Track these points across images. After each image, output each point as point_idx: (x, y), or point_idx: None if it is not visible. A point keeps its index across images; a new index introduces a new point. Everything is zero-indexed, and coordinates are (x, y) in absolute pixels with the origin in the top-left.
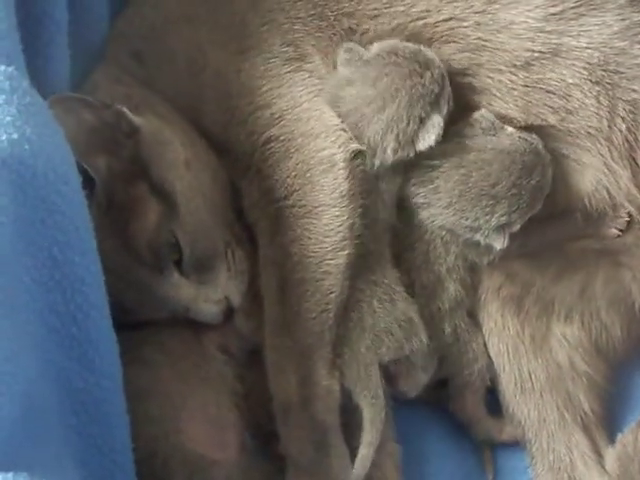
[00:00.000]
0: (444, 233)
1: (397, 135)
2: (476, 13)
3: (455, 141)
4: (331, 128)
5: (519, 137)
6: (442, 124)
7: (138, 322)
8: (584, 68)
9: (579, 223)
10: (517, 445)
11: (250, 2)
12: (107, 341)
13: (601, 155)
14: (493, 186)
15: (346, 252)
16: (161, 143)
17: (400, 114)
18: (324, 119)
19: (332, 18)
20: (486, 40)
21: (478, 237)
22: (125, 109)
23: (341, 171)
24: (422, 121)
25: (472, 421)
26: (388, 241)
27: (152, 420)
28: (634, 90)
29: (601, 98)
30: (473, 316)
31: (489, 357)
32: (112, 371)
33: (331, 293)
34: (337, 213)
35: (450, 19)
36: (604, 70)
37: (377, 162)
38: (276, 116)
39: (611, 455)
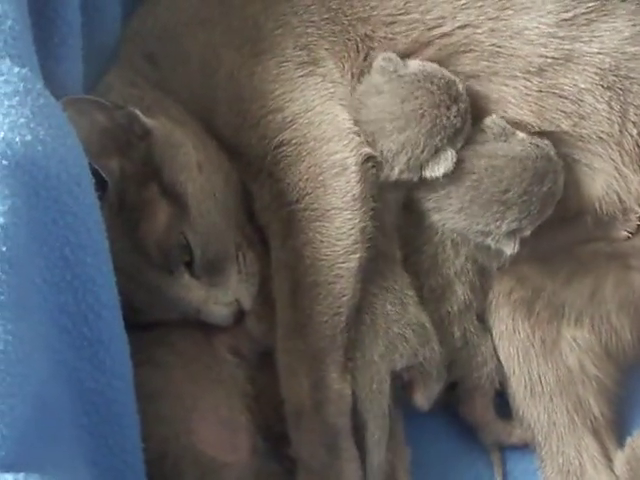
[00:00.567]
0: (455, 235)
1: (409, 159)
2: (490, 19)
3: (467, 147)
4: (344, 132)
5: (530, 143)
6: (454, 159)
7: (149, 323)
8: (596, 73)
9: (589, 227)
10: (526, 448)
11: (263, 5)
12: (118, 341)
13: (612, 160)
14: (504, 192)
15: (358, 255)
16: (173, 145)
17: (418, 140)
18: (337, 123)
19: (346, 23)
20: (500, 46)
21: (489, 241)
22: (137, 111)
23: (353, 174)
24: (436, 151)
25: (481, 424)
26: (398, 244)
27: (163, 421)
28: None
29: (613, 103)
30: (482, 319)
31: (498, 360)
32: (123, 371)
33: (343, 296)
34: (349, 216)
35: (465, 26)
36: (615, 75)
37: (381, 176)
38: (288, 120)
39: (620, 459)
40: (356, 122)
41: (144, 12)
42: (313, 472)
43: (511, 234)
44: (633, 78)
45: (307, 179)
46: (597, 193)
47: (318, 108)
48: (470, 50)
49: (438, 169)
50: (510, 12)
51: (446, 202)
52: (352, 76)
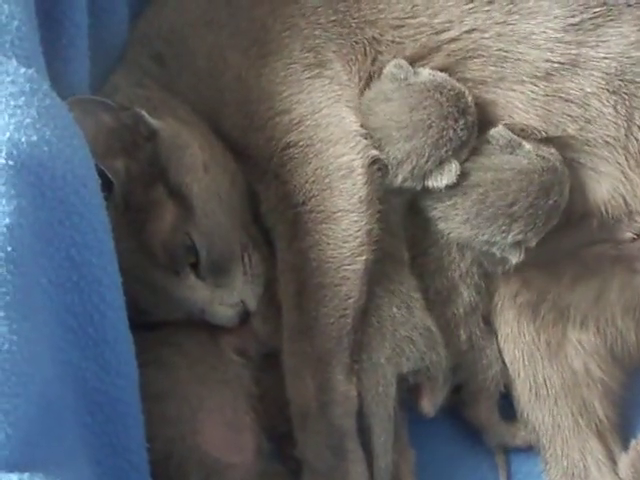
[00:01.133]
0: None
1: (413, 168)
2: (497, 24)
3: (473, 159)
4: (350, 134)
5: (537, 155)
6: (458, 172)
7: (154, 323)
8: (602, 78)
9: (595, 230)
10: (531, 450)
11: (271, 7)
12: (123, 342)
13: (618, 164)
14: (510, 206)
15: (364, 257)
16: (179, 146)
17: (424, 150)
18: (344, 125)
19: (354, 26)
20: (507, 51)
21: (494, 250)
22: (143, 112)
23: (360, 177)
24: (441, 162)
25: (486, 426)
26: (405, 247)
27: (169, 421)
28: None
29: (618, 107)
30: (487, 322)
31: (503, 363)
32: (128, 371)
33: (349, 298)
34: (355, 218)
35: (472, 30)
36: (621, 80)
37: (385, 181)
38: (295, 122)
39: (625, 461)
40: (363, 125)
41: (151, 13)
42: (319, 473)
43: (516, 244)
44: (638, 82)
45: (314, 181)
46: (603, 196)
47: (325, 110)
48: (478, 55)
49: (441, 180)
50: (517, 17)
51: (452, 212)
52: (360, 79)
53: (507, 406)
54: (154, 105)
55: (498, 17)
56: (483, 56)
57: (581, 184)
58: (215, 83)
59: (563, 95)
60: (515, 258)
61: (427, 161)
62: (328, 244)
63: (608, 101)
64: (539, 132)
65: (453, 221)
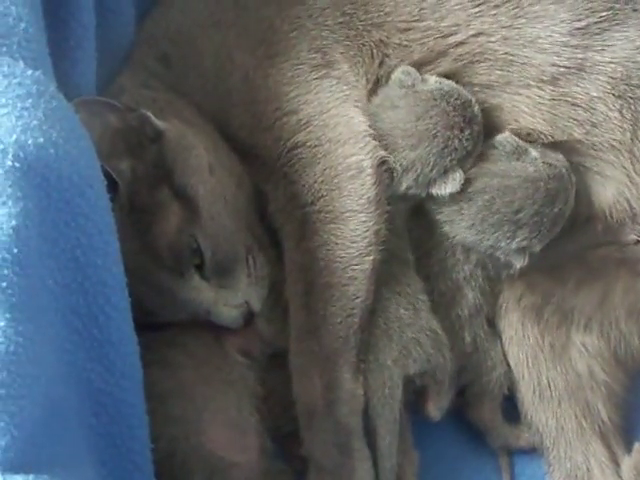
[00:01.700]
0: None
1: (417, 176)
2: (503, 27)
3: (479, 165)
4: (359, 134)
5: (543, 162)
6: (462, 181)
7: (159, 324)
8: (608, 82)
9: (599, 233)
10: (535, 452)
11: (279, 8)
12: (128, 343)
13: (624, 167)
14: (516, 213)
15: (372, 257)
16: (185, 148)
17: (429, 159)
18: (352, 125)
19: (361, 28)
20: (513, 55)
21: (499, 254)
22: (149, 113)
23: (368, 177)
24: (445, 171)
25: (489, 428)
26: (409, 248)
27: (173, 421)
28: None
29: (624, 111)
30: (492, 324)
31: (507, 365)
32: (132, 372)
33: (357, 298)
34: (364, 219)
35: (479, 34)
36: (627, 84)
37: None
38: (303, 122)
39: (628, 464)
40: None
41: (158, 14)
42: (325, 472)
43: (521, 250)
44: None
45: (322, 181)
46: (608, 200)
47: (333, 110)
48: (484, 59)
49: (445, 188)
50: (523, 20)
51: (457, 217)
52: (367, 82)
53: (511, 408)
54: (160, 106)
55: (504, 21)
56: (489, 60)
57: (586, 188)
58: (222, 84)
59: (569, 99)
60: (519, 263)
61: (432, 170)
62: (336, 244)
63: (614, 105)
64: (545, 136)
65: (458, 226)
